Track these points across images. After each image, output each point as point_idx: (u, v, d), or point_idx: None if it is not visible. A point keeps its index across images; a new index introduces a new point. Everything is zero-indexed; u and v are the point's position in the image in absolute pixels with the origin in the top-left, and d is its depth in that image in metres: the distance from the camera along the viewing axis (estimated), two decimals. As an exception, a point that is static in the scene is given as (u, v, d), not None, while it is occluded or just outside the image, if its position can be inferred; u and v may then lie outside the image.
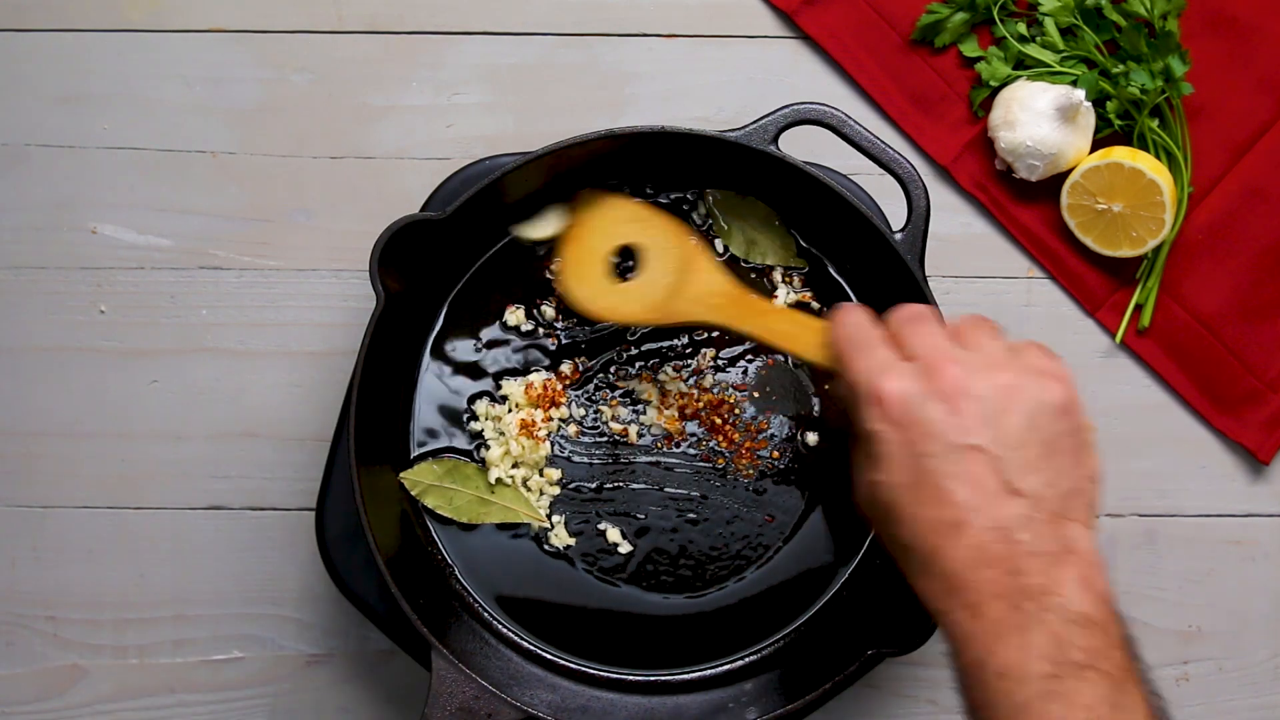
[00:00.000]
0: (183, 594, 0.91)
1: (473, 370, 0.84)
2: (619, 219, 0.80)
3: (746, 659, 0.83)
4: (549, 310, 0.85)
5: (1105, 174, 0.89)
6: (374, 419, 0.78)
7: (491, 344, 0.85)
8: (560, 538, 0.83)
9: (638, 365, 0.85)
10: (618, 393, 0.85)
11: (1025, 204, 0.93)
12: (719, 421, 0.84)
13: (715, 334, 0.85)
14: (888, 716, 0.92)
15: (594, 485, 0.84)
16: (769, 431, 0.84)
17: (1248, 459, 0.93)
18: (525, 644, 0.82)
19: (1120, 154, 0.89)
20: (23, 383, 0.92)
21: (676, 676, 0.83)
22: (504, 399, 0.84)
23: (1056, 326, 0.93)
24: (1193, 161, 0.92)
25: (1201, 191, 0.93)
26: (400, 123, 0.94)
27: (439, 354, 0.84)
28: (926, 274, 0.80)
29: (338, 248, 0.93)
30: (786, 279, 0.86)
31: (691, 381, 0.85)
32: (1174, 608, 0.93)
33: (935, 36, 0.93)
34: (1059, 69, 0.91)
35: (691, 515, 0.84)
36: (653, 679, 0.83)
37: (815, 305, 0.85)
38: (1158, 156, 0.91)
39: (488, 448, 0.83)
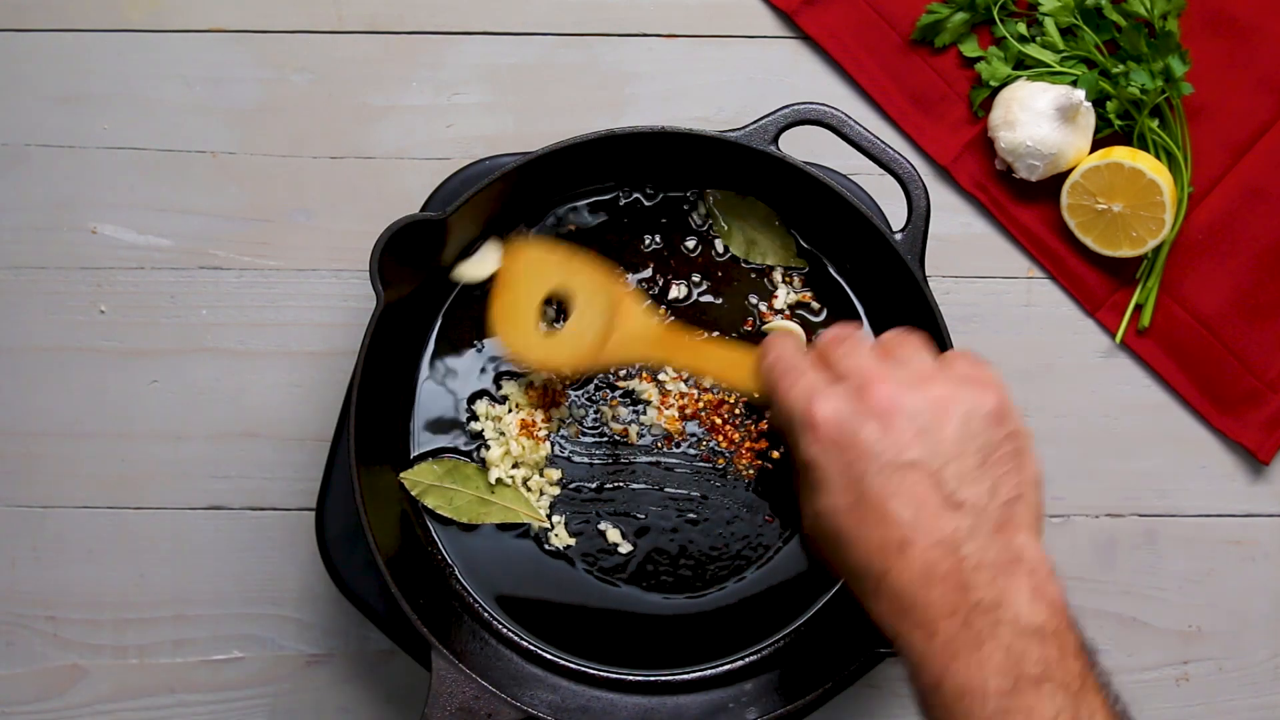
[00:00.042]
0: (183, 594, 0.91)
1: (473, 370, 0.84)
2: (544, 267, 0.79)
3: (746, 659, 0.83)
4: (549, 310, 0.85)
5: (1105, 174, 0.89)
6: (374, 419, 0.78)
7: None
8: (560, 538, 0.83)
9: (638, 365, 0.85)
10: (618, 393, 0.85)
11: (1025, 204, 0.93)
12: (719, 421, 0.84)
13: (715, 334, 0.85)
14: (888, 716, 0.92)
15: (594, 485, 0.84)
16: (769, 431, 0.84)
17: (1248, 459, 0.93)
18: (525, 644, 0.82)
19: (1120, 154, 0.89)
20: (23, 383, 0.92)
21: (677, 676, 0.83)
22: (504, 399, 0.84)
23: (1056, 326, 0.93)
24: (1193, 161, 0.92)
25: (1201, 191, 0.93)
26: (400, 123, 0.94)
27: (439, 354, 0.84)
28: (926, 274, 0.80)
29: (338, 248, 0.93)
30: (786, 279, 0.86)
31: (691, 381, 0.85)
32: (1174, 608, 0.93)
33: (935, 36, 0.93)
34: (1059, 69, 0.91)
35: (691, 515, 0.84)
36: (653, 679, 0.83)
37: (815, 305, 0.85)
38: (1158, 156, 0.91)
39: (488, 448, 0.83)
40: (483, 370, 0.84)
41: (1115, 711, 0.60)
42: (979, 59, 0.93)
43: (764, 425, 0.84)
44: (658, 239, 0.86)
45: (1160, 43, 0.89)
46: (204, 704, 0.91)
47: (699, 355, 0.76)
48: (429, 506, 0.82)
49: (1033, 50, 0.92)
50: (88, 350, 0.92)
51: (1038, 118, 0.89)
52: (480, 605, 0.82)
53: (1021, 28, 0.93)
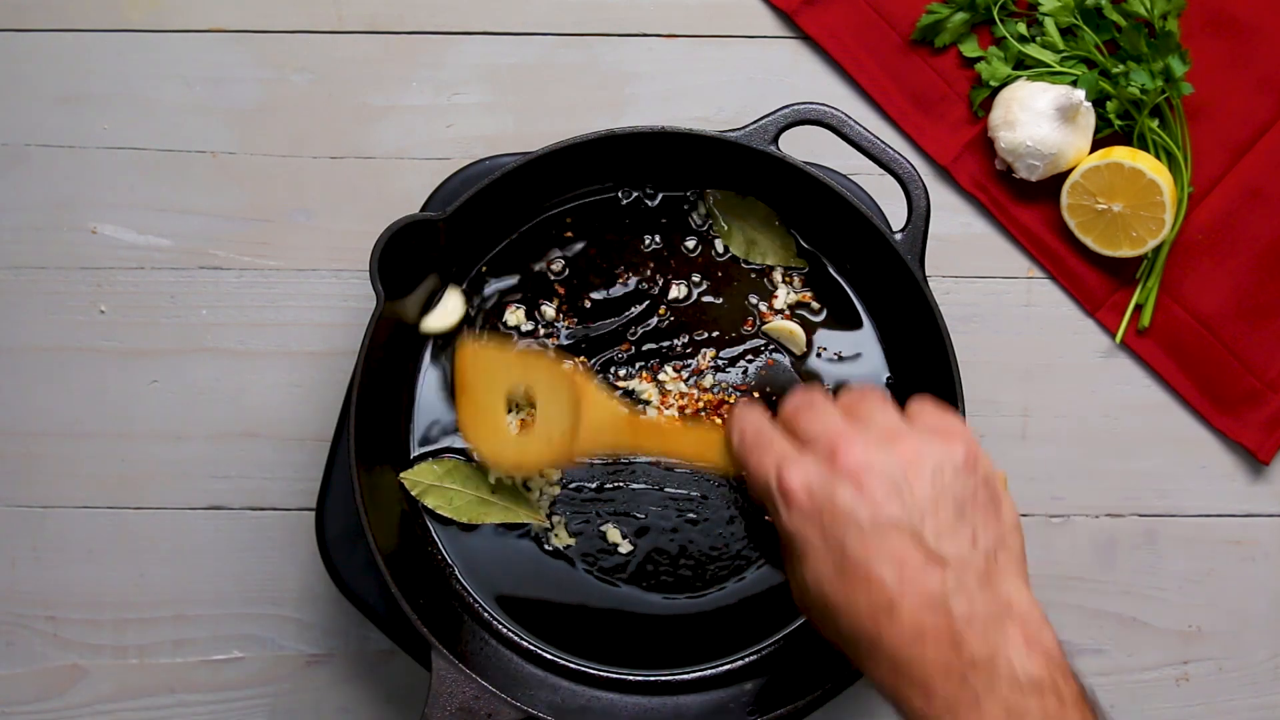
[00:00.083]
0: (183, 594, 0.91)
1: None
2: (500, 368, 0.79)
3: (746, 659, 0.83)
4: (549, 310, 0.85)
5: (1105, 174, 0.89)
6: (374, 419, 0.78)
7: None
8: (560, 538, 0.83)
9: (638, 365, 0.85)
10: (618, 393, 0.85)
11: (1025, 204, 0.93)
12: (719, 421, 0.84)
13: (715, 334, 0.85)
14: (888, 717, 0.91)
15: (594, 485, 0.84)
16: (769, 431, 0.84)
17: (1248, 459, 0.93)
18: (525, 644, 0.82)
19: (1120, 154, 0.89)
20: (23, 383, 0.92)
21: (677, 676, 0.83)
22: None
23: (1056, 326, 0.93)
24: (1193, 161, 0.92)
25: (1201, 191, 0.93)
26: (400, 123, 0.94)
27: (439, 354, 0.84)
28: (926, 274, 0.80)
29: (338, 248, 0.93)
30: (786, 279, 0.86)
31: (691, 381, 0.85)
32: (1174, 608, 0.93)
33: (935, 36, 0.93)
34: (1059, 69, 0.91)
35: (691, 515, 0.84)
36: (653, 679, 0.82)
37: (815, 305, 0.85)
38: (1158, 156, 0.91)
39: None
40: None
41: None
42: (979, 59, 0.93)
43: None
44: (658, 239, 0.86)
45: (1160, 43, 0.89)
46: (204, 704, 0.91)
47: (666, 439, 0.75)
48: (429, 506, 0.82)
49: (1033, 50, 0.92)
50: (88, 350, 0.92)
51: (1038, 118, 0.89)
52: (480, 605, 0.82)
53: (1021, 28, 0.93)
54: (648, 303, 0.85)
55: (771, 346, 0.85)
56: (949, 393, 0.78)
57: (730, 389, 0.85)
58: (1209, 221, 0.93)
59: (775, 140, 0.79)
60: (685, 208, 0.86)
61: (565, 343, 0.85)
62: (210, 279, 0.93)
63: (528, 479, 0.83)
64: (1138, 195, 0.88)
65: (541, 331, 0.85)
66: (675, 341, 0.85)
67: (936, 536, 0.61)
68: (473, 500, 0.82)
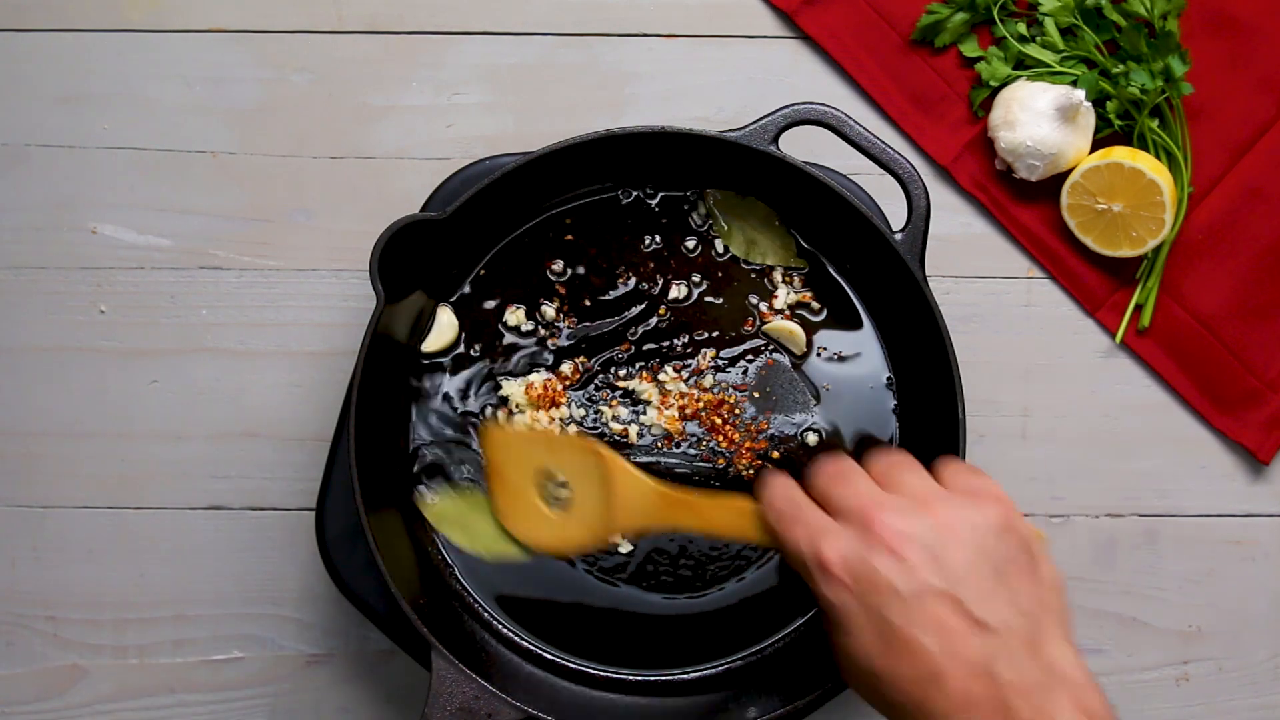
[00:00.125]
0: (183, 594, 0.91)
1: (475, 376, 0.84)
2: (527, 451, 0.79)
3: (747, 659, 0.83)
4: (549, 310, 0.85)
5: (1105, 174, 0.89)
6: (374, 419, 0.78)
7: (491, 344, 0.85)
8: (560, 538, 0.83)
9: (638, 365, 0.85)
10: (618, 393, 0.85)
11: (1025, 204, 0.93)
12: (719, 421, 0.84)
13: (715, 334, 0.85)
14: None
15: (594, 485, 0.84)
16: (769, 431, 0.84)
17: (1248, 459, 0.93)
18: (525, 644, 0.82)
19: (1120, 154, 0.89)
20: (23, 383, 0.92)
21: (677, 676, 0.83)
22: (504, 399, 0.84)
23: (1056, 326, 0.93)
24: (1193, 161, 0.92)
25: (1201, 191, 0.93)
26: (400, 123, 0.94)
27: (439, 354, 0.84)
28: (926, 274, 0.80)
29: (338, 248, 0.93)
30: (786, 279, 0.86)
31: (691, 381, 0.85)
32: (1174, 608, 0.93)
33: (935, 36, 0.93)
34: (1059, 69, 0.91)
35: (691, 515, 0.84)
36: (653, 679, 0.82)
37: (815, 305, 0.85)
38: (1158, 156, 0.91)
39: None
40: (484, 372, 0.84)
41: None
42: (979, 59, 0.93)
43: (764, 425, 0.84)
44: (658, 239, 0.86)
45: (1160, 43, 0.89)
46: (204, 704, 0.91)
47: (701, 513, 0.74)
48: (450, 540, 0.82)
49: (1033, 50, 0.92)
50: (88, 350, 0.92)
51: (1038, 118, 0.89)
52: (480, 605, 0.82)
53: (1021, 28, 0.93)
54: (648, 303, 0.85)
55: (771, 346, 0.85)
56: (949, 393, 0.78)
57: (730, 389, 0.85)
58: (1209, 221, 0.93)
59: (775, 140, 0.79)
60: (685, 208, 0.86)
61: (565, 343, 0.84)
62: (210, 279, 0.93)
63: None
64: (1138, 195, 0.88)
65: (541, 331, 0.85)
66: (675, 341, 0.85)
67: (977, 602, 0.60)
68: (496, 534, 0.82)
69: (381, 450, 0.81)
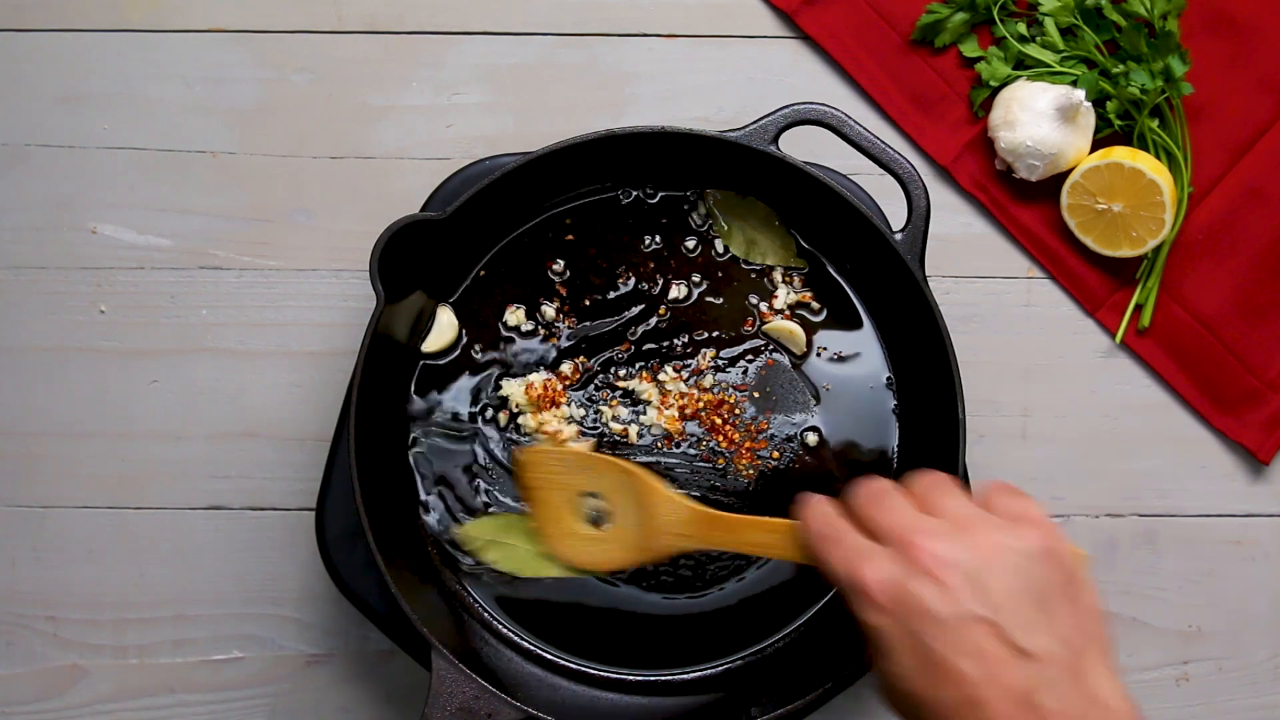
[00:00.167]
0: (183, 594, 0.91)
1: (472, 378, 0.84)
2: (564, 472, 0.79)
3: (747, 659, 0.83)
4: (549, 310, 0.85)
5: (1105, 174, 0.89)
6: (374, 418, 0.78)
7: (491, 344, 0.85)
8: (560, 538, 0.83)
9: (638, 365, 0.85)
10: (618, 393, 0.85)
11: (1025, 204, 0.93)
12: (719, 421, 0.84)
13: (715, 334, 0.85)
14: (888, 717, 0.91)
15: (594, 485, 0.84)
16: (769, 431, 0.84)
17: (1248, 459, 0.93)
18: (525, 644, 0.82)
19: (1120, 154, 0.89)
20: (23, 383, 0.92)
21: (677, 676, 0.83)
22: (504, 399, 0.84)
23: (1056, 326, 0.93)
24: (1193, 161, 0.92)
25: (1201, 191, 0.93)
26: (400, 123, 0.94)
27: (439, 354, 0.84)
28: (926, 274, 0.80)
29: (338, 248, 0.93)
30: (786, 279, 0.86)
31: (691, 381, 0.85)
32: (1174, 608, 0.93)
33: (935, 36, 0.93)
34: (1059, 69, 0.91)
35: (691, 515, 0.84)
36: (653, 679, 0.82)
37: (815, 304, 0.85)
38: (1158, 156, 0.91)
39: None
40: (485, 372, 0.84)
41: None
42: (979, 59, 0.93)
43: (764, 425, 0.84)
44: (658, 239, 0.86)
45: (1160, 43, 0.89)
46: (204, 704, 0.91)
47: (740, 533, 0.74)
48: (488, 563, 0.82)
49: (1033, 50, 0.92)
50: (88, 350, 0.92)
51: (1038, 118, 0.89)
52: (480, 605, 0.82)
53: (1021, 28, 0.93)
54: (647, 303, 0.85)
55: (771, 346, 0.85)
56: (949, 393, 0.78)
57: (730, 389, 0.85)
58: (1209, 221, 0.93)
59: (775, 140, 0.79)
60: (685, 208, 0.86)
61: (565, 343, 0.84)
62: (210, 279, 0.93)
63: None
64: (1138, 195, 0.88)
65: (541, 331, 0.85)
66: (675, 341, 0.85)
67: (1019, 629, 0.59)
68: (532, 554, 0.82)
69: (382, 449, 0.81)
